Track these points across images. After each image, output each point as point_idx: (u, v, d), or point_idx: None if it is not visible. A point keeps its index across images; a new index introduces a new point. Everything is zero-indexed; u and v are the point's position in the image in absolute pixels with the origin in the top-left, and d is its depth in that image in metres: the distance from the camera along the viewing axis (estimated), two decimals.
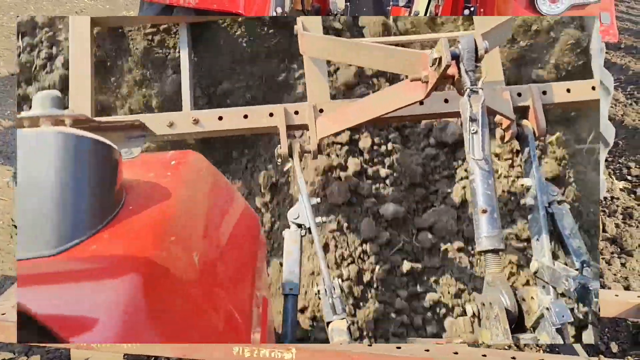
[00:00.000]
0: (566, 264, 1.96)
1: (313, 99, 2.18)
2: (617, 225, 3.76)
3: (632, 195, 4.34)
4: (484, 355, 1.87)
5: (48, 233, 1.12)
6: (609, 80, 2.64)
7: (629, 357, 1.87)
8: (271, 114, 2.16)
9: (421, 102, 1.93)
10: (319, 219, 2.09)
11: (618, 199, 4.16)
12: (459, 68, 1.79)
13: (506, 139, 2.23)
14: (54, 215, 1.14)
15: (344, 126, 2.14)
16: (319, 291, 1.96)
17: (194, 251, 1.26)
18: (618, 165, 4.86)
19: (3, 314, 2.06)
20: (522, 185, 2.18)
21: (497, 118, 2.24)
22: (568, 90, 2.25)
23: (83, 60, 2.19)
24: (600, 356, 1.87)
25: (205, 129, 2.15)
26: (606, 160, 4.78)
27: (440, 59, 1.73)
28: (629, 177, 4.66)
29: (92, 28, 2.26)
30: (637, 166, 4.89)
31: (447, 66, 1.72)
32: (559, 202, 2.10)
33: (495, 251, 1.75)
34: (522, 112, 2.25)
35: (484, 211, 1.75)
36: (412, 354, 1.91)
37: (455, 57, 1.76)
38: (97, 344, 1.98)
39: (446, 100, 2.19)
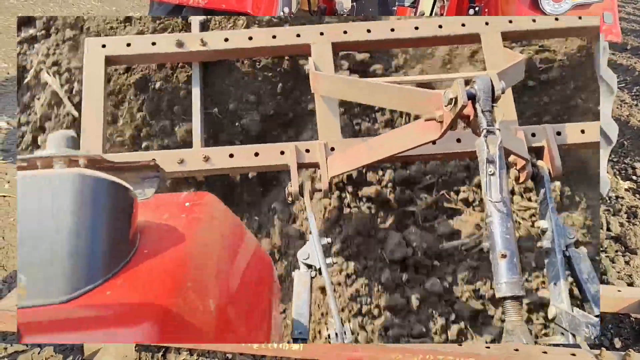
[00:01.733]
0: (583, 309, 1.89)
1: (324, 137, 2.15)
2: (621, 224, 3.78)
3: (637, 195, 4.35)
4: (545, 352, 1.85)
5: (59, 279, 1.07)
6: (612, 79, 2.63)
7: (631, 349, 1.89)
8: (282, 152, 2.13)
9: (433, 142, 1.87)
10: (329, 260, 2.02)
11: (623, 198, 4.18)
12: (474, 108, 1.75)
13: (521, 179, 2.17)
14: (67, 261, 1.08)
15: (355, 165, 2.10)
16: (329, 335, 1.85)
17: (210, 297, 1.22)
18: (623, 165, 4.87)
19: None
20: (539, 227, 2.10)
21: (512, 158, 2.19)
22: (582, 131, 2.20)
23: (96, 99, 2.18)
24: (602, 349, 1.89)
25: (215, 166, 2.12)
26: (612, 161, 4.80)
27: (455, 99, 1.70)
28: (634, 177, 4.67)
29: (106, 66, 2.25)
30: None
31: (463, 106, 1.69)
32: (576, 245, 2.03)
33: (515, 298, 1.67)
34: (536, 153, 2.19)
35: (503, 256, 1.68)
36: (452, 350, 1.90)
37: (472, 97, 1.73)
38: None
39: (459, 140, 2.14)
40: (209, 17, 2.45)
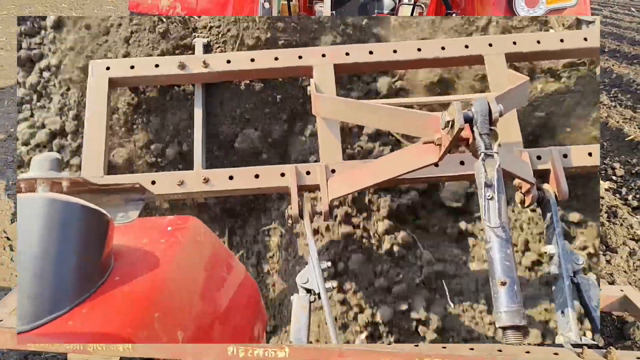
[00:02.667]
0: (593, 339, 1.88)
1: (325, 158, 2.14)
2: (602, 224, 3.83)
3: (617, 195, 4.42)
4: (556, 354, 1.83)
5: (26, 305, 1.05)
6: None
7: (612, 346, 1.91)
8: (282, 174, 2.13)
9: (436, 164, 1.86)
10: (329, 284, 2.01)
11: (603, 198, 4.24)
12: (472, 131, 1.73)
13: (526, 203, 2.13)
14: (33, 287, 1.07)
15: (355, 188, 2.08)
16: None
17: (179, 328, 1.20)
18: (603, 166, 4.94)
19: (0, 320, 2.06)
20: (546, 253, 2.07)
21: (517, 181, 2.15)
22: (590, 154, 2.16)
23: (99, 121, 2.18)
24: (584, 347, 1.91)
25: (215, 188, 2.12)
26: None
27: (453, 121, 1.69)
28: (613, 177, 4.74)
29: (110, 88, 2.25)
30: (622, 167, 4.98)
31: (461, 129, 1.67)
32: (585, 272, 2.00)
33: (516, 327, 1.63)
34: (542, 176, 2.15)
35: (503, 283, 1.64)
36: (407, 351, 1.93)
37: (469, 120, 1.71)
38: (94, 348, 2.00)
39: (462, 163, 2.11)
40: (212, 39, 2.45)
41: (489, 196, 1.69)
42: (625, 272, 3.66)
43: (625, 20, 14.28)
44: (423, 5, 4.06)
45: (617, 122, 5.94)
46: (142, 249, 1.31)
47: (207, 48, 2.42)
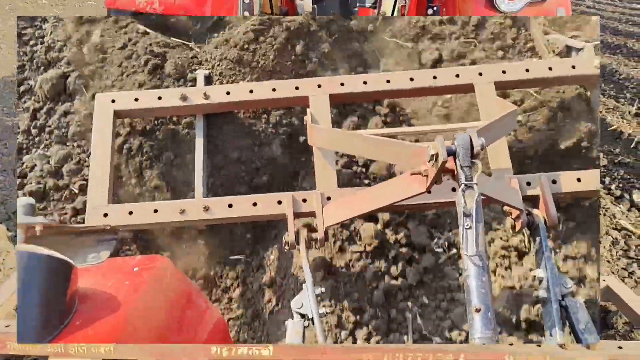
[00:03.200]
0: None
1: (321, 186, 2.20)
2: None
3: (601, 185, 4.47)
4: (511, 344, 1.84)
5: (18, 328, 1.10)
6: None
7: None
8: (279, 202, 2.18)
9: (428, 191, 1.90)
10: (322, 310, 2.05)
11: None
12: (455, 164, 1.79)
13: (517, 228, 2.18)
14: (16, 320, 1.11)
15: (350, 215, 2.13)
16: None
17: None
18: None
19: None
20: (535, 276, 2.11)
21: (507, 207, 2.20)
22: (579, 180, 2.20)
23: (104, 152, 2.24)
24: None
25: (215, 216, 2.18)
26: None
27: (437, 155, 1.75)
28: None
29: (115, 120, 2.31)
30: (605, 156, 5.04)
31: (444, 162, 1.73)
32: (573, 295, 2.03)
33: None
34: (532, 201, 2.19)
35: (478, 310, 1.69)
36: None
37: (452, 153, 1.77)
38: (75, 350, 1.99)
39: (454, 189, 2.15)
40: (212, 71, 2.53)
41: (467, 226, 1.74)
42: (608, 261, 3.70)
43: (608, 10, 14.40)
44: None
45: (601, 112, 5.99)
46: (107, 292, 1.35)
47: (208, 79, 2.51)
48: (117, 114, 2.31)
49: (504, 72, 2.31)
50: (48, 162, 2.68)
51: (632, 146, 5.51)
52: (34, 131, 2.78)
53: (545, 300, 2.01)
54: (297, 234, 2.14)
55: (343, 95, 2.32)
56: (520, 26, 2.66)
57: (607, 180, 4.63)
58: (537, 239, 2.09)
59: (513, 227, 2.23)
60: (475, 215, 1.73)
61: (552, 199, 2.12)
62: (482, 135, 1.83)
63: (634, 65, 9.33)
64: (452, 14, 3.13)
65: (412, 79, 2.33)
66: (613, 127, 5.87)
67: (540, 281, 2.06)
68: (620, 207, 4.46)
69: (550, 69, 2.32)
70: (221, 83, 2.51)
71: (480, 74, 2.31)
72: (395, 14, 3.71)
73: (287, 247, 2.14)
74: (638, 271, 3.67)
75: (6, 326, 2.13)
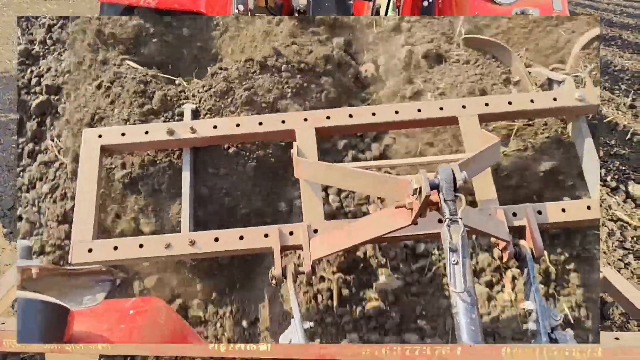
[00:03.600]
0: None
1: (308, 219, 2.20)
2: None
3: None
4: None
5: None
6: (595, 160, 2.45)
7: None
8: (266, 235, 2.17)
9: (415, 223, 1.90)
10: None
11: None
12: (439, 197, 1.79)
13: (504, 259, 2.17)
14: None
15: (337, 249, 2.13)
16: None
17: None
18: None
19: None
20: (524, 309, 2.10)
21: (494, 238, 2.20)
22: (563, 210, 2.21)
23: (90, 188, 2.24)
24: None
25: (201, 250, 2.17)
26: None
27: (420, 188, 1.75)
28: None
29: (102, 156, 2.31)
30: (601, 148, 5.05)
31: (427, 196, 1.73)
32: (563, 327, 2.03)
33: None
34: (519, 232, 2.19)
35: None
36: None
37: (435, 187, 1.77)
38: (72, 346, 1.99)
39: (440, 221, 2.10)
40: (200, 105, 2.54)
41: (454, 261, 1.72)
42: (604, 252, 3.72)
43: (603, 2, 14.40)
44: None
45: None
46: (103, 335, 1.40)
47: (195, 114, 2.52)
48: (104, 149, 2.32)
49: (487, 104, 2.35)
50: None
51: (627, 138, 5.52)
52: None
53: (534, 333, 2.00)
54: (284, 267, 2.13)
55: (329, 128, 2.35)
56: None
57: (602, 172, 4.64)
58: (525, 270, 2.09)
59: (500, 259, 2.23)
60: (461, 250, 1.72)
61: (538, 230, 2.13)
62: (465, 169, 1.84)
63: (628, 57, 9.34)
64: (449, 7, 3.12)
65: (397, 112, 2.36)
66: (608, 119, 5.88)
67: (529, 313, 2.05)
68: (616, 199, 4.48)
69: (532, 101, 2.36)
70: (209, 116, 2.53)
71: (464, 107, 2.34)
72: (391, 7, 3.70)
73: (273, 282, 2.13)
74: (634, 262, 3.69)
75: (2, 323, 2.12)
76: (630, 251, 3.86)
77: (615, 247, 3.85)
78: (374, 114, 2.36)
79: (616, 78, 8.00)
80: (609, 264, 3.56)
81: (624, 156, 5.28)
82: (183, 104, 2.56)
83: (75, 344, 1.98)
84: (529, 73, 2.56)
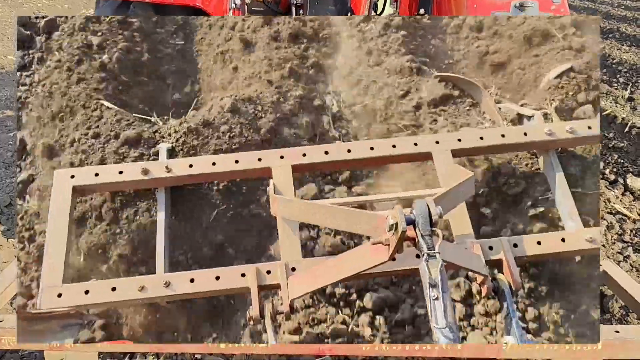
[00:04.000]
0: None
1: (286, 256, 2.18)
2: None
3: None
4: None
5: None
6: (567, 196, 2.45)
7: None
8: (243, 275, 2.13)
9: (393, 258, 1.89)
10: None
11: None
12: (416, 233, 1.79)
13: (483, 294, 2.15)
14: None
15: (315, 287, 2.09)
16: None
17: None
18: None
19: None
20: (506, 344, 2.05)
21: (472, 273, 2.20)
22: (539, 243, 2.21)
23: (60, 229, 2.19)
24: None
25: (176, 292, 2.11)
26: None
27: (396, 224, 1.75)
28: None
29: (74, 197, 2.27)
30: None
31: (404, 231, 1.73)
32: None
33: None
34: (496, 266, 2.18)
35: None
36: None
37: (411, 223, 1.78)
38: (70, 344, 1.98)
39: (418, 256, 2.11)
40: (175, 144, 2.53)
41: (434, 296, 1.72)
42: (603, 245, 3.72)
43: None
44: None
45: None
46: None
47: (171, 153, 2.51)
48: (76, 190, 2.28)
49: (459, 140, 2.39)
50: None
51: (625, 130, 5.52)
52: None
53: None
54: (262, 308, 2.07)
55: (305, 165, 2.35)
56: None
57: (600, 164, 4.64)
58: (504, 304, 2.08)
59: (479, 293, 2.22)
60: (441, 284, 1.71)
61: (515, 263, 2.13)
62: (440, 203, 1.85)
63: (626, 49, 9.33)
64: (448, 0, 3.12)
65: (372, 148, 2.38)
66: (607, 112, 5.88)
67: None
68: (614, 192, 4.48)
69: (503, 136, 2.41)
70: (184, 155, 2.52)
71: (437, 142, 2.38)
72: (389, 1, 3.68)
73: (251, 322, 2.07)
74: (633, 255, 3.69)
75: (0, 321, 2.12)
76: (630, 244, 3.86)
77: (614, 240, 3.85)
78: (349, 151, 2.38)
79: (614, 71, 8.00)
80: (608, 257, 3.56)
81: (623, 149, 5.28)
82: (158, 142, 2.55)
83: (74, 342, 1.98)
84: (499, 109, 2.63)
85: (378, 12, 4.08)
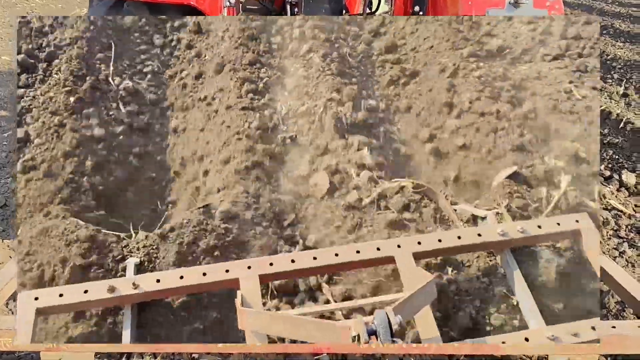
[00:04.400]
0: None
1: None
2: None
3: None
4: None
5: None
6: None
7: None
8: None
9: None
10: None
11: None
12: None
13: None
14: None
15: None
16: None
17: None
18: None
19: None
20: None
21: None
22: (503, 342, 2.21)
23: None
24: None
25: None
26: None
27: (358, 336, 1.82)
28: None
29: (37, 318, 2.23)
30: None
31: (366, 342, 1.80)
32: None
33: None
34: None
35: None
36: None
37: (373, 333, 1.84)
38: (67, 345, 1.97)
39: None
40: (144, 259, 2.53)
41: None
42: (599, 242, 3.73)
43: None
44: None
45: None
46: None
47: (140, 267, 2.50)
48: (40, 311, 2.25)
49: (419, 243, 2.47)
50: None
51: (620, 126, 5.53)
52: None
53: None
54: None
55: (272, 275, 2.38)
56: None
57: None
58: None
59: None
60: None
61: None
62: (400, 312, 1.89)
63: (620, 45, 9.36)
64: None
65: (337, 254, 2.43)
66: (601, 108, 5.89)
67: None
68: (609, 187, 4.49)
69: (459, 237, 2.48)
70: (152, 268, 2.52)
71: (399, 246, 2.45)
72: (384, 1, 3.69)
73: None
74: (629, 250, 3.70)
75: None
76: (625, 239, 3.87)
77: (610, 235, 3.86)
78: (315, 258, 2.42)
79: (609, 67, 8.02)
80: (604, 252, 3.57)
81: (618, 145, 5.29)
82: (127, 257, 2.53)
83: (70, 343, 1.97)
84: (455, 210, 2.72)
85: (373, 10, 4.08)
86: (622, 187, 4.61)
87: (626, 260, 3.59)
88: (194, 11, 3.19)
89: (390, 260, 2.42)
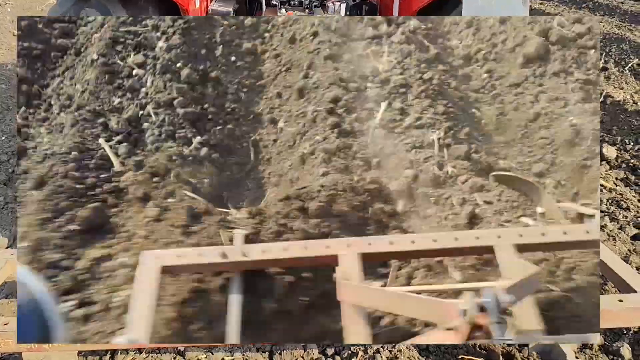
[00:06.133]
0: None
1: (350, 341, 2.25)
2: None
3: None
4: None
5: None
6: None
7: None
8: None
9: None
10: None
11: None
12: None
13: None
14: None
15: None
16: None
17: None
18: None
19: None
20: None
21: None
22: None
23: (146, 296, 2.27)
24: None
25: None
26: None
27: (467, 310, 1.82)
28: None
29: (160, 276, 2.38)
30: None
31: (475, 317, 1.80)
32: None
33: None
34: None
35: None
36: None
37: (483, 310, 1.83)
38: (49, 344, 1.95)
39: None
40: (250, 232, 2.69)
41: None
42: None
43: None
44: None
45: None
46: None
47: (246, 239, 2.65)
48: (164, 270, 2.43)
49: (521, 235, 2.47)
50: None
51: (600, 100, 5.56)
52: None
53: None
54: None
55: (370, 254, 2.46)
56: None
57: None
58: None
59: None
60: None
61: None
62: (511, 293, 1.91)
63: (599, 19, 9.37)
64: None
65: (435, 240, 2.47)
66: None
67: None
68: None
69: (564, 233, 2.47)
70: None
71: (499, 237, 2.46)
72: None
73: None
74: (610, 224, 3.75)
75: None
76: (606, 213, 3.92)
77: (602, 228, 3.90)
78: (413, 242, 2.47)
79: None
80: None
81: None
82: (234, 229, 2.70)
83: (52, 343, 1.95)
84: (558, 208, 2.72)
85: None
86: (603, 160, 4.65)
87: (607, 234, 3.64)
88: (173, 6, 3.12)
89: (490, 250, 2.44)
